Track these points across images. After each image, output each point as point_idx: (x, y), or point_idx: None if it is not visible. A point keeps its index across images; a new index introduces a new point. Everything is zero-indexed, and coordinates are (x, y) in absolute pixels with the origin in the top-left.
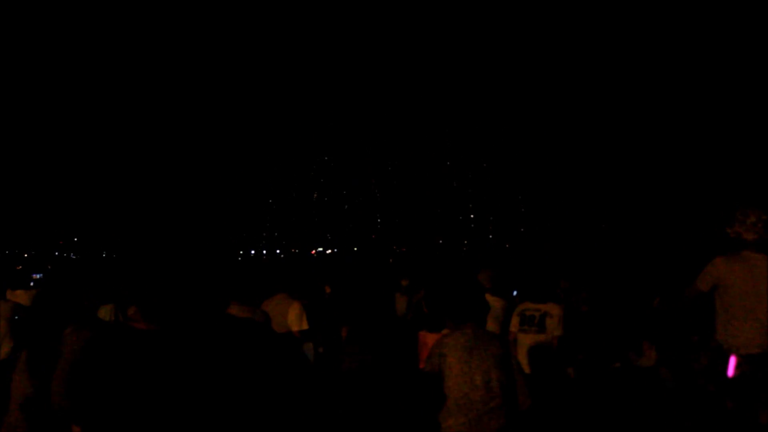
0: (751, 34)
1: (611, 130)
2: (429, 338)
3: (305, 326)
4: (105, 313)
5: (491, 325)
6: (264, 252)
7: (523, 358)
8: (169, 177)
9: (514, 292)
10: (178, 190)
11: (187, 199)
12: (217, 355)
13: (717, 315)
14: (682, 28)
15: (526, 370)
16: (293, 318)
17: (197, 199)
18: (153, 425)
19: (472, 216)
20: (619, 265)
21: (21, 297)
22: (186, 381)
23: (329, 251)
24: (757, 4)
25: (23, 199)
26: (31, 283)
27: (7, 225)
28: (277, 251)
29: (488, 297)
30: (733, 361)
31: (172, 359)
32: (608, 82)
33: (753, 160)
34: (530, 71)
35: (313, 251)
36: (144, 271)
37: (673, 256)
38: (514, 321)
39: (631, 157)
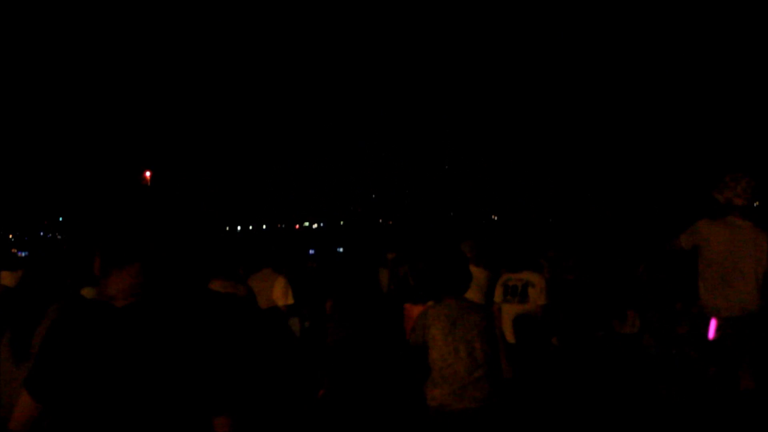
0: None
1: (602, 110)
2: (414, 310)
3: (291, 301)
4: (89, 293)
5: (475, 296)
6: (250, 227)
7: (507, 328)
8: (155, 152)
9: None
10: (164, 166)
11: (172, 174)
12: (196, 330)
13: (699, 277)
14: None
15: (511, 340)
16: (279, 292)
17: (182, 174)
18: (123, 400)
19: (460, 189)
20: (604, 234)
21: (6, 278)
22: (161, 355)
23: (315, 225)
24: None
25: (8, 179)
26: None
27: None
28: (263, 226)
29: (471, 268)
30: (713, 324)
31: (147, 333)
32: (595, 66)
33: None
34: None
35: (298, 225)
36: (122, 246)
37: (657, 224)
38: (498, 291)
39: (619, 130)
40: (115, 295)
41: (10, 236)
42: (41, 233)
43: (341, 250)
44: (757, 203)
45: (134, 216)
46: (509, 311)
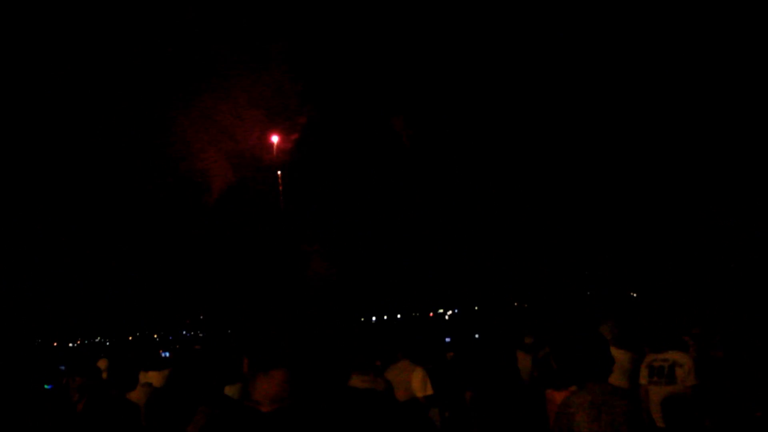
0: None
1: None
2: (557, 396)
3: (430, 391)
4: (232, 391)
5: (619, 380)
6: (384, 317)
7: (655, 412)
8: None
9: None
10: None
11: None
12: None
13: None
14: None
15: (660, 424)
16: (417, 384)
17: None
18: None
19: (595, 267)
20: (752, 304)
21: (153, 378)
22: None
23: (449, 312)
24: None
25: (149, 281)
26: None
27: (136, 307)
28: (397, 316)
29: (613, 350)
30: None
31: None
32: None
33: None
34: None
35: (431, 313)
36: (270, 351)
37: None
38: (644, 373)
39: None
40: (261, 400)
41: (155, 336)
42: (183, 332)
43: (477, 336)
44: None
45: (281, 319)
46: (657, 393)
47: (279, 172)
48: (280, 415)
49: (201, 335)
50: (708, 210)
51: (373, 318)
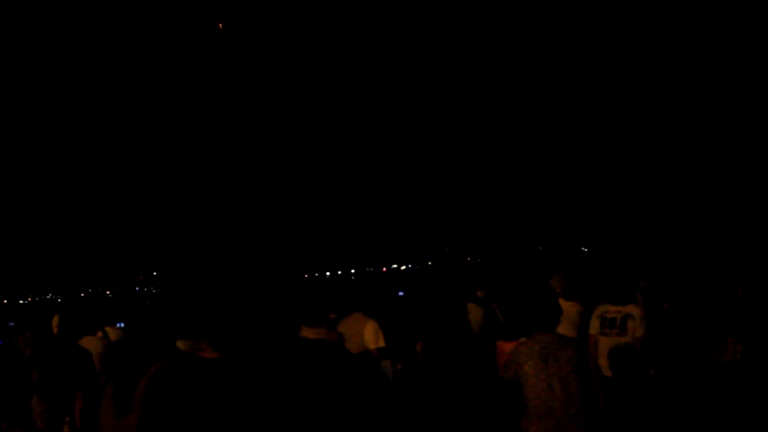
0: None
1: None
2: (506, 347)
3: (382, 344)
4: (183, 345)
5: (567, 330)
6: (338, 272)
7: (604, 362)
8: (235, 198)
9: None
10: (245, 211)
11: (254, 220)
12: (289, 380)
13: None
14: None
15: (608, 373)
16: (370, 336)
17: (264, 220)
18: None
19: (549, 223)
20: (698, 259)
21: (109, 333)
22: (255, 409)
23: (403, 267)
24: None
25: (103, 237)
26: (119, 324)
27: (89, 263)
28: (352, 271)
29: (562, 302)
30: None
31: (240, 387)
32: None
33: None
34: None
35: (384, 269)
36: (206, 297)
37: (753, 244)
38: (594, 324)
39: (708, 153)
40: (204, 347)
41: (108, 293)
42: (137, 288)
43: (429, 290)
44: None
45: (231, 273)
46: (606, 344)
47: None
48: (222, 361)
49: (154, 291)
50: (655, 169)
51: (328, 273)
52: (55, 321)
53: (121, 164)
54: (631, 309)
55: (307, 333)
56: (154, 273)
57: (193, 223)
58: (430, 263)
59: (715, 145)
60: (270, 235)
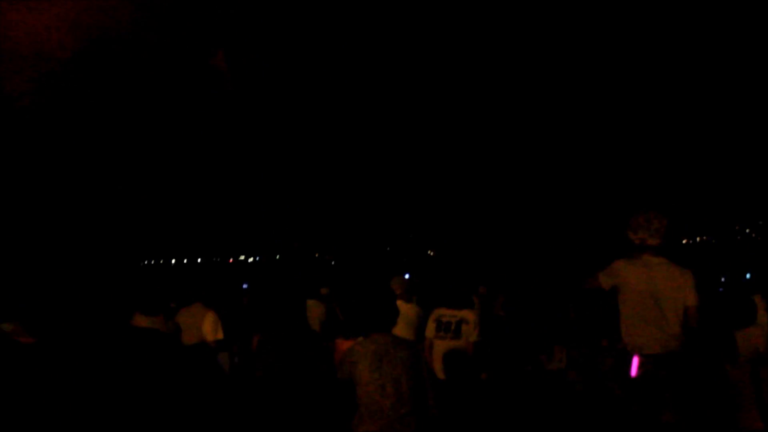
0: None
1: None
2: (344, 345)
3: (220, 336)
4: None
5: (405, 332)
6: (184, 260)
7: (437, 364)
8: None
9: None
10: (77, 185)
11: (83, 196)
12: (107, 368)
13: (621, 316)
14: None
15: (441, 376)
16: (208, 327)
17: (98, 197)
18: None
19: (398, 225)
20: (533, 270)
21: None
22: (69, 397)
23: (251, 259)
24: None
25: None
26: None
27: None
28: (198, 260)
29: (401, 304)
30: (635, 362)
31: (52, 374)
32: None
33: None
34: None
35: (231, 259)
36: (18, 278)
37: (583, 261)
38: (430, 327)
39: (545, 162)
40: (21, 331)
41: None
42: None
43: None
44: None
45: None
46: (440, 347)
47: None
48: (40, 346)
49: None
50: (498, 181)
51: (173, 260)
52: None
53: None
54: (466, 314)
55: (142, 321)
56: None
57: (28, 197)
58: (277, 257)
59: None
60: (111, 219)
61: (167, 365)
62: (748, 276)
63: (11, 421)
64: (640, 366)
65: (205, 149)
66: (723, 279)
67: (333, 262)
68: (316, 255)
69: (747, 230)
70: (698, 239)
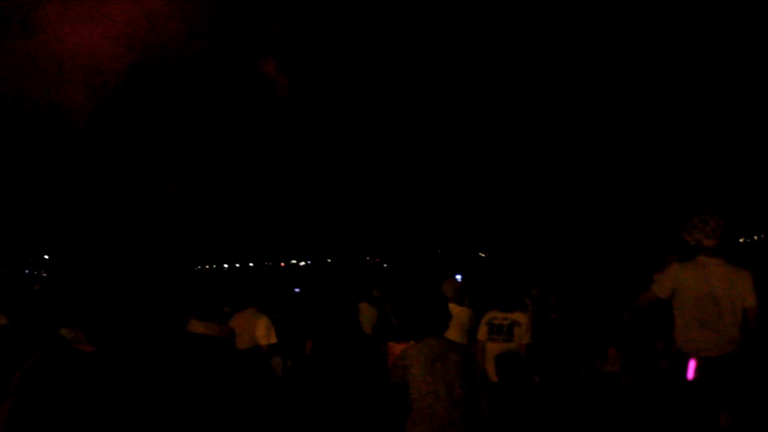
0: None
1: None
2: (396, 349)
3: (273, 340)
4: (68, 333)
5: (457, 335)
6: (236, 265)
7: (490, 367)
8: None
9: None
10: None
11: (142, 204)
12: (167, 376)
13: (676, 319)
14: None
15: (494, 378)
16: (261, 332)
17: (157, 204)
18: None
19: (449, 226)
20: (588, 272)
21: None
22: (123, 406)
23: (302, 263)
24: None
25: None
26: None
27: None
28: (250, 264)
29: (453, 307)
30: (692, 365)
31: (114, 383)
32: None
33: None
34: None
35: (283, 263)
36: (80, 286)
37: (639, 261)
38: (483, 330)
39: (600, 165)
40: (82, 339)
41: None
42: (26, 271)
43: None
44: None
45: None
46: (493, 350)
47: None
48: (101, 355)
49: (44, 275)
50: (552, 183)
51: (225, 265)
52: None
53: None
54: (518, 316)
55: (197, 327)
56: (45, 256)
57: (89, 206)
58: (329, 261)
59: (614, 158)
60: (164, 225)
61: (223, 373)
62: None
63: (76, 423)
64: (697, 369)
65: (258, 156)
66: None
67: (384, 265)
68: (367, 258)
69: None
70: (756, 237)
